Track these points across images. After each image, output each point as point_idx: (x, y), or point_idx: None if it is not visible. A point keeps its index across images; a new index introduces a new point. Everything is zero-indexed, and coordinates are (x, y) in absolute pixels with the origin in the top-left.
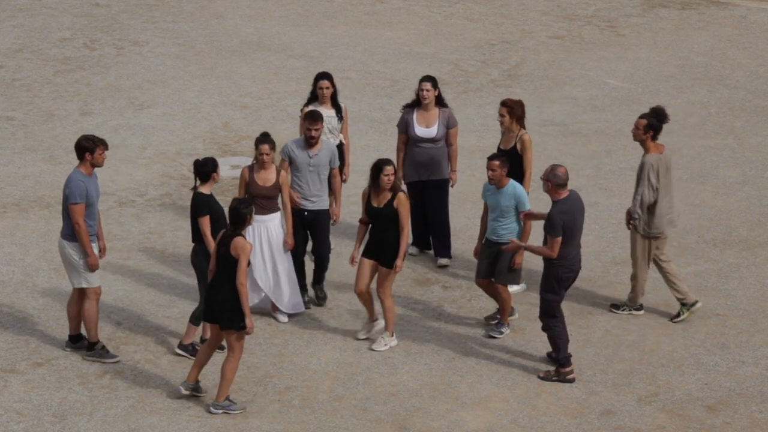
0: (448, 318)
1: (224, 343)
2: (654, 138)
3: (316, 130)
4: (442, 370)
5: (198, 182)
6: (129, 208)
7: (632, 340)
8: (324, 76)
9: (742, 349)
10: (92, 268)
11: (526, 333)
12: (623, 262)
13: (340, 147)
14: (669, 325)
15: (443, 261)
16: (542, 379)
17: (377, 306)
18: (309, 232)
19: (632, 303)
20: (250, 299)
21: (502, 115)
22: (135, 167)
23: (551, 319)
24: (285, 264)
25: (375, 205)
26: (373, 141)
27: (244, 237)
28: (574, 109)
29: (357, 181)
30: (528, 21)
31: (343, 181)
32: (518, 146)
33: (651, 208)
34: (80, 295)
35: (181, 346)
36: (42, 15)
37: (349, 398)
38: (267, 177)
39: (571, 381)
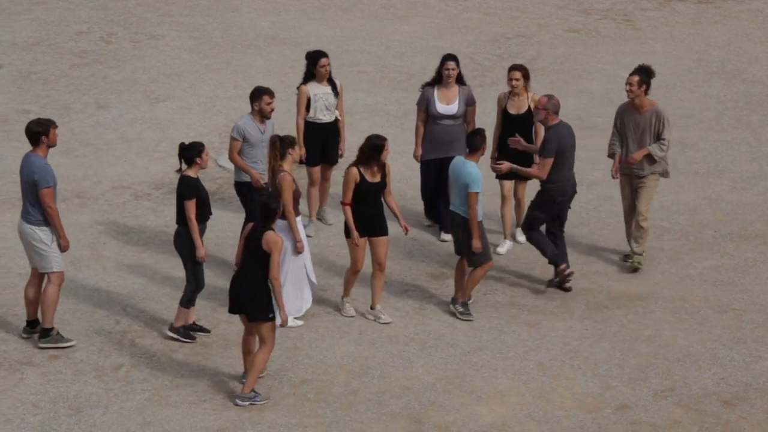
0: None
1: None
2: (646, 93)
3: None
4: (457, 364)
5: (183, 166)
6: (145, 202)
7: (648, 335)
8: (324, 54)
9: (758, 343)
10: (65, 248)
11: (542, 328)
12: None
13: (337, 123)
14: (685, 319)
15: (446, 237)
16: (548, 286)
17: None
18: None
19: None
20: (302, 302)
21: (516, 79)
22: (151, 161)
23: (533, 231)
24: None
25: (371, 180)
26: (389, 134)
27: (274, 231)
28: (590, 103)
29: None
30: (544, 15)
31: (340, 156)
32: (532, 106)
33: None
34: (40, 280)
35: (171, 329)
36: (58, 8)
37: (364, 392)
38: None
39: (569, 276)
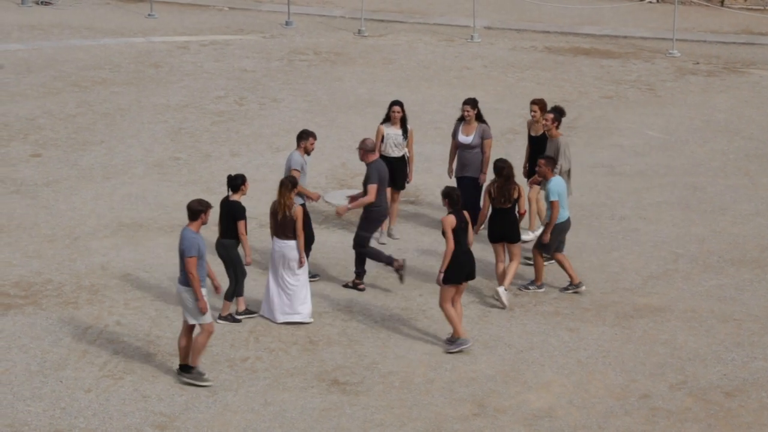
0: (518, 318)
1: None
2: (557, 127)
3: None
4: (513, 361)
5: (230, 192)
6: (267, 229)
7: (665, 339)
8: (397, 103)
9: (754, 347)
10: (202, 311)
11: (580, 332)
12: (659, 276)
13: (404, 158)
14: (695, 327)
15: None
16: (400, 276)
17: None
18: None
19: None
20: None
21: (534, 111)
22: (272, 197)
23: (362, 247)
24: (301, 278)
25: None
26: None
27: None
28: (620, 154)
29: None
30: (584, 84)
31: (408, 181)
32: (545, 132)
33: (568, 174)
34: (191, 331)
35: (220, 317)
36: (203, 78)
37: (439, 381)
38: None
39: (403, 266)
